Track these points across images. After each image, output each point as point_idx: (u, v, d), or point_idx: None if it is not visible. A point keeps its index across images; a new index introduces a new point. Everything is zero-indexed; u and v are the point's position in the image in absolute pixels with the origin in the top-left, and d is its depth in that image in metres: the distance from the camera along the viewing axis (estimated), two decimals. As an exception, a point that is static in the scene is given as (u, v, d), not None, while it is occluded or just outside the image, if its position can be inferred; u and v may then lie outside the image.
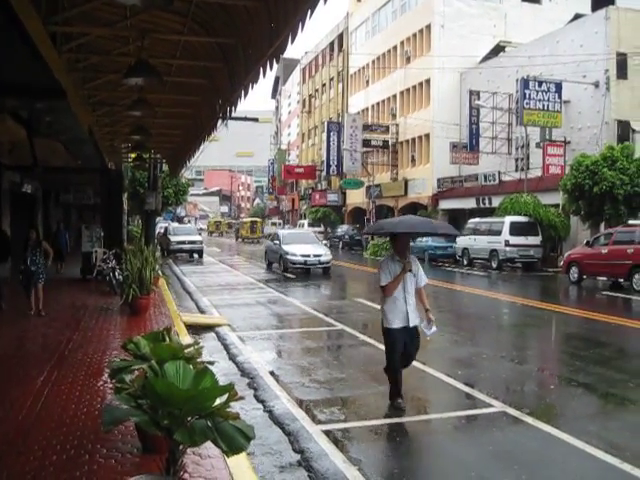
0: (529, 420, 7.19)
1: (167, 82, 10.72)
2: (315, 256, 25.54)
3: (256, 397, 8.11)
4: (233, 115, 11.15)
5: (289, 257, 25.59)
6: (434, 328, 7.64)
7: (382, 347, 11.18)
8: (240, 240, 65.10)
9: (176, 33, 8.80)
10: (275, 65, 7.49)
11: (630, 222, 22.37)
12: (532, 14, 43.25)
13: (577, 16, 35.64)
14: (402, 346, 7.58)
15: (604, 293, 20.39)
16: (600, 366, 9.99)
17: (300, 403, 7.91)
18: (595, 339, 12.56)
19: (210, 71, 10.26)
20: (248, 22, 7.31)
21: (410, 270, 7.47)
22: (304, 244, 26.40)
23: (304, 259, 25.45)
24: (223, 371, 9.17)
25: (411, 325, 7.54)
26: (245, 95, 9.00)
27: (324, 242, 35.80)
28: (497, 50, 41.05)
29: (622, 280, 20.95)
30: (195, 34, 8.70)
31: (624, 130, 30.22)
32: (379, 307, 8.02)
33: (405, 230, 7.82)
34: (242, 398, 4.79)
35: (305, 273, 26.09)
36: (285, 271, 25.89)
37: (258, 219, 73.11)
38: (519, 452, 6.31)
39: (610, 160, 25.50)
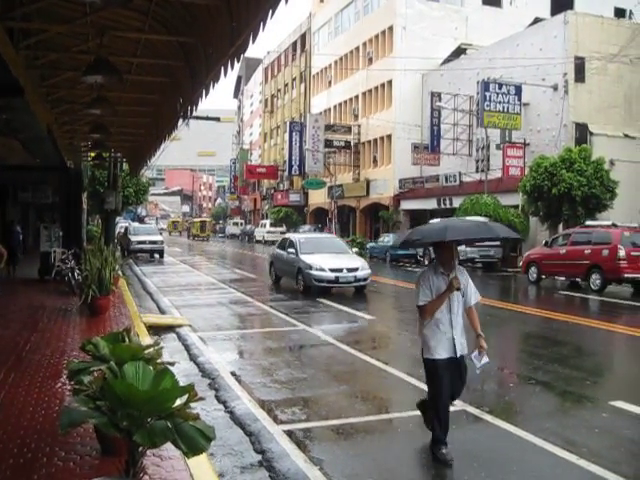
0: (488, 418, 7.28)
1: (127, 80, 10.61)
2: (349, 270, 19.17)
3: (217, 398, 8.07)
4: (194, 114, 11.08)
5: (314, 272, 19.07)
6: (485, 359, 6.19)
7: (344, 347, 11.33)
8: (192, 238, 70.82)
9: (136, 31, 8.69)
10: (237, 64, 7.45)
11: (587, 223, 22.83)
12: (493, 17, 43.83)
13: (537, 20, 36.31)
14: (450, 381, 6.16)
15: (562, 293, 20.74)
16: (558, 364, 10.15)
17: (261, 403, 7.88)
18: (553, 338, 12.77)
19: (171, 69, 10.18)
20: (209, 21, 7.27)
21: (459, 289, 6.02)
22: (331, 254, 20.15)
23: (335, 275, 18.98)
24: (184, 372, 9.10)
25: (458, 355, 6.20)
26: (206, 94, 8.95)
27: (355, 250, 27.78)
28: (458, 52, 41.51)
29: (580, 280, 21.34)
30: (155, 32, 8.61)
31: (582, 133, 30.78)
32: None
33: (458, 237, 6.31)
34: (202, 399, 4.77)
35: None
36: (307, 290, 19.35)
37: (207, 219, 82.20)
38: (478, 450, 6.37)
39: (568, 162, 26.00)
